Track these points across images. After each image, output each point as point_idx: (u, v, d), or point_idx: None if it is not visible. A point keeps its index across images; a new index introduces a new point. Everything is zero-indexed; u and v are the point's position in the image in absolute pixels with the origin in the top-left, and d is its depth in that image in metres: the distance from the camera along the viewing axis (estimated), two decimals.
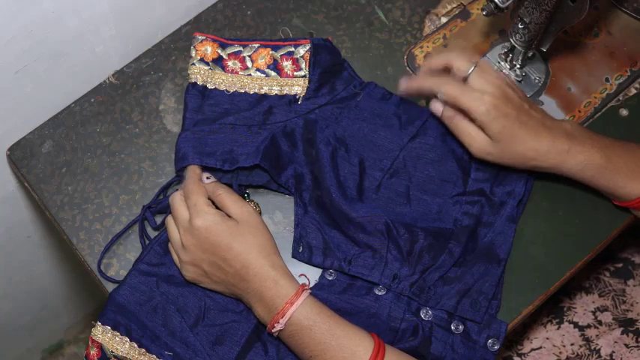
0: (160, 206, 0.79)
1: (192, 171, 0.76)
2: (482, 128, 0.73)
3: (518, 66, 0.84)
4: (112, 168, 0.83)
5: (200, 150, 0.77)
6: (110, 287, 0.77)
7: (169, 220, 0.75)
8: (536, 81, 0.85)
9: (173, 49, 0.88)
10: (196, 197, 0.72)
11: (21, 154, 0.84)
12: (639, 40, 0.87)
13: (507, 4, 0.72)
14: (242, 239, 0.70)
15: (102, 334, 0.73)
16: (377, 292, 0.75)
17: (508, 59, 0.84)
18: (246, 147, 0.77)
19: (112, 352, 0.73)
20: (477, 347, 0.73)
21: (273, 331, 0.70)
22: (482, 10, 0.74)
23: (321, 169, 0.77)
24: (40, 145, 0.84)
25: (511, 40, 0.79)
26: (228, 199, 0.73)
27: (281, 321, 0.68)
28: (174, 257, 0.75)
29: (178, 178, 0.79)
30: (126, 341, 0.73)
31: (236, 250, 0.70)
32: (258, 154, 0.76)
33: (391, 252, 0.75)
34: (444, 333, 0.73)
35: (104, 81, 0.86)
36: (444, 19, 0.89)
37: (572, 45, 0.87)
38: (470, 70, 0.74)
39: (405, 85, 0.78)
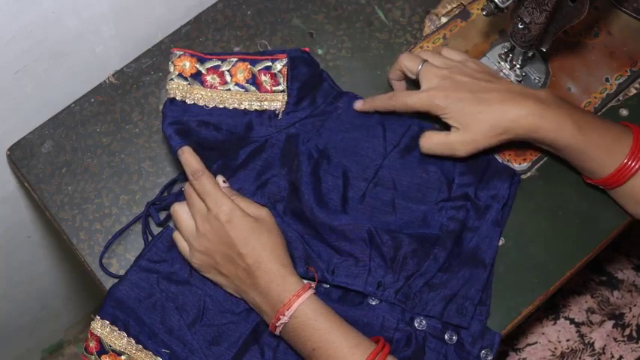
0: (164, 203, 0.79)
1: (196, 161, 0.74)
2: (447, 123, 0.75)
3: (518, 66, 0.84)
4: (112, 168, 0.83)
5: (187, 135, 0.76)
6: (110, 285, 0.77)
7: (179, 206, 0.75)
8: (536, 81, 0.85)
9: None
10: (215, 192, 0.72)
11: (21, 154, 0.84)
12: (639, 40, 0.87)
13: (507, 4, 0.72)
14: (259, 237, 0.71)
15: (100, 327, 0.73)
16: (370, 301, 0.74)
17: (508, 59, 0.84)
18: (223, 156, 0.78)
19: (110, 346, 0.73)
20: (470, 358, 0.73)
21: (277, 324, 0.70)
22: (482, 10, 0.74)
23: (301, 183, 0.76)
24: (40, 145, 0.84)
25: (511, 40, 0.79)
26: (244, 201, 0.74)
27: (287, 313, 0.69)
28: (181, 245, 0.75)
29: (183, 175, 0.78)
30: (124, 336, 0.73)
31: (251, 246, 0.71)
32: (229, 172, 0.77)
33: (374, 259, 0.74)
34: (437, 343, 0.73)
35: (104, 81, 0.86)
36: (444, 19, 0.89)
37: (572, 45, 0.87)
38: (419, 68, 0.77)
39: (359, 106, 0.81)
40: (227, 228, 0.71)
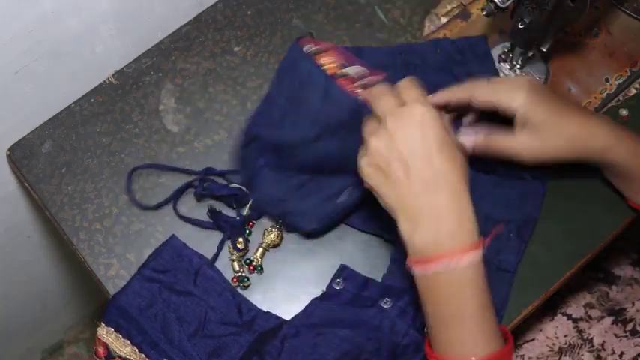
0: (208, 191, 0.78)
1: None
2: (523, 122, 0.69)
3: (518, 66, 0.84)
4: (112, 168, 0.83)
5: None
6: (110, 285, 0.77)
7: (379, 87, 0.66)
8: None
9: (173, 49, 0.88)
10: (415, 90, 0.63)
11: (21, 154, 0.84)
12: (639, 40, 0.87)
13: (507, 4, 0.72)
14: (450, 152, 0.60)
15: (106, 334, 0.74)
16: (382, 304, 0.74)
17: (508, 59, 0.84)
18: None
19: (117, 352, 0.73)
20: None
21: (421, 267, 0.60)
22: (482, 10, 0.74)
23: None
24: (40, 145, 0.84)
25: (511, 40, 0.79)
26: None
27: (445, 263, 0.59)
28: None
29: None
30: (128, 344, 0.73)
31: (439, 158, 0.60)
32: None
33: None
34: None
35: (104, 81, 0.87)
36: (444, 19, 0.89)
37: (572, 45, 0.87)
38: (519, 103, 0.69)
39: (435, 99, 0.72)
40: (420, 120, 0.60)
